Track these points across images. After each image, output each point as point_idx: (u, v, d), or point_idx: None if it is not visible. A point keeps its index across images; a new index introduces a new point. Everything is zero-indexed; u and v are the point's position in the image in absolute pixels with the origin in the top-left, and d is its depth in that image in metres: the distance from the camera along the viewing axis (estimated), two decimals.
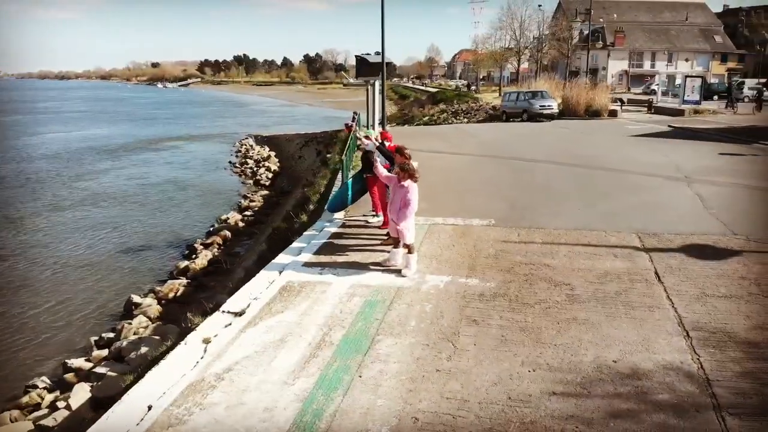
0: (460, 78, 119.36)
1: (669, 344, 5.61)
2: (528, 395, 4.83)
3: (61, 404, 8.56)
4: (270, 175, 32.55)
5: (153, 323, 12.64)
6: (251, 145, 43.37)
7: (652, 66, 71.18)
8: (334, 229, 9.22)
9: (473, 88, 72.11)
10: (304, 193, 15.14)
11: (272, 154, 38.96)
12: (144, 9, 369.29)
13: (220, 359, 5.46)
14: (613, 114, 31.57)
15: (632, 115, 32.62)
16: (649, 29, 72.09)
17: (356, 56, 19.64)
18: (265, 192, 28.42)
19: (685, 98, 31.88)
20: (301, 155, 34.17)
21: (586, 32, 65.14)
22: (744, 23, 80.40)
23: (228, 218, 22.20)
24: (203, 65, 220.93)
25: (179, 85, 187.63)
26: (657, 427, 4.43)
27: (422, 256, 7.76)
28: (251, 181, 31.34)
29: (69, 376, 10.08)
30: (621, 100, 36.38)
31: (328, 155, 22.14)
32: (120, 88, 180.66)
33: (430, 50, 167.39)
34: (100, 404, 8.14)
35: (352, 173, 11.82)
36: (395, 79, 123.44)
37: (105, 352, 11.05)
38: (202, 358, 5.52)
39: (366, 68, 18.24)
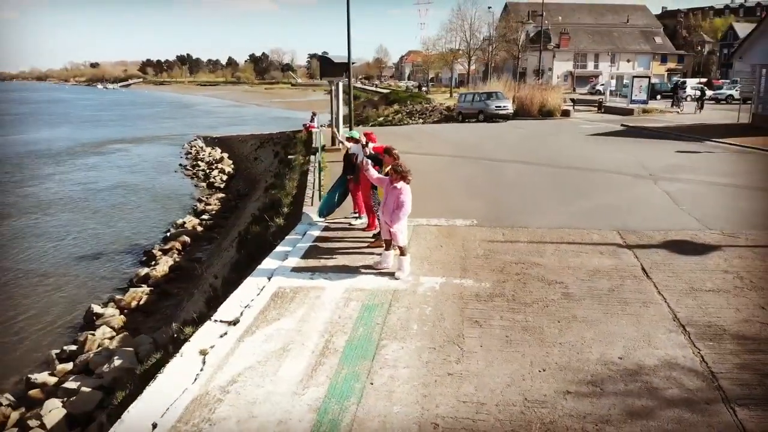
0: (409, 79, 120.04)
1: (669, 339, 5.71)
2: (543, 395, 4.82)
3: (33, 422, 8.05)
4: (224, 178, 31.89)
5: (118, 334, 12.12)
6: (201, 147, 42.45)
7: (596, 67, 73.57)
8: (317, 233, 9.03)
9: (424, 89, 72.67)
10: (272, 196, 14.81)
11: (225, 155, 38.19)
12: (80, 7, 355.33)
13: (221, 371, 5.23)
14: (565, 114, 32.36)
15: (583, 114, 33.52)
16: (593, 31, 74.40)
17: (319, 56, 19.43)
18: (221, 195, 27.82)
19: (633, 98, 32.98)
20: (257, 156, 33.56)
21: (532, 34, 66.94)
22: (682, 24, 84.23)
23: (185, 223, 21.59)
24: (145, 65, 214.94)
25: (120, 86, 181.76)
26: (673, 421, 4.49)
27: (412, 258, 7.68)
28: (204, 184, 30.64)
29: (34, 392, 9.55)
30: (573, 100, 37.35)
31: (290, 156, 21.79)
32: (58, 89, 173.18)
33: (378, 51, 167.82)
34: (76, 421, 7.73)
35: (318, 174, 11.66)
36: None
37: (69, 366, 10.52)
38: (201, 370, 5.28)
39: (330, 68, 18.03)
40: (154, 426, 4.49)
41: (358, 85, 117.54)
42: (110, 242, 19.82)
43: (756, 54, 23.47)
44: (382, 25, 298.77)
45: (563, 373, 5.14)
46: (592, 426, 4.44)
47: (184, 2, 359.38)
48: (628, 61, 73.43)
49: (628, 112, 31.46)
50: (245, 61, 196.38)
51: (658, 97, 41.37)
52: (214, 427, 4.45)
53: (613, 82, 42.77)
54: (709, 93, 39.42)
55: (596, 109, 36.16)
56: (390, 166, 7.36)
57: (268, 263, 7.80)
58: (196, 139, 45.95)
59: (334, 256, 7.96)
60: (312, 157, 16.33)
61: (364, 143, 8.34)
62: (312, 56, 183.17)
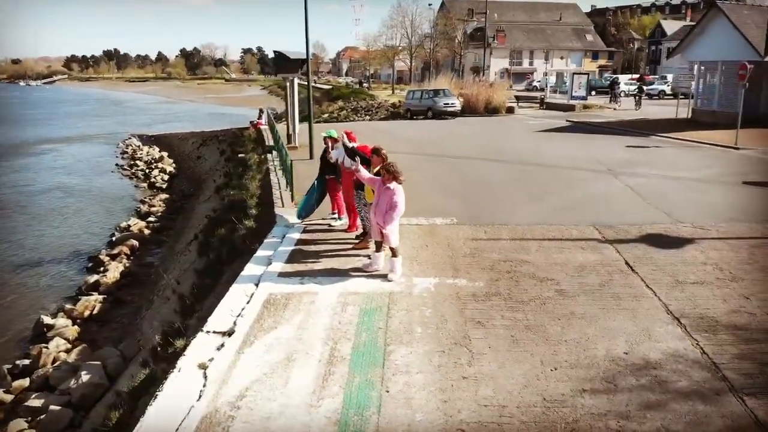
0: (347, 75, 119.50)
1: (667, 332, 5.85)
2: (561, 395, 4.82)
3: None
4: (166, 177, 30.71)
5: (75, 346, 11.40)
6: (138, 146, 40.76)
7: (531, 64, 75.53)
8: (297, 235, 8.76)
9: (365, 85, 72.48)
10: (230, 196, 14.32)
11: (164, 154, 36.81)
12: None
13: (226, 385, 4.96)
14: (510, 111, 33.01)
15: (527, 111, 34.30)
16: (527, 29, 76.29)
17: (275, 51, 18.89)
18: (165, 195, 26.76)
19: (574, 94, 34.01)
20: (201, 155, 32.48)
21: (470, 31, 68.04)
22: (611, 22, 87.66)
23: (130, 226, 20.63)
24: (70, 61, 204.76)
25: (44, 83, 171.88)
26: (689, 414, 4.58)
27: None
28: (145, 185, 29.42)
29: None
30: (517, 97, 38.11)
31: (241, 155, 21.19)
32: None
33: (315, 47, 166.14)
34: None
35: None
36: (280, 75, 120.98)
37: (26, 382, 9.80)
38: (204, 386, 4.98)
39: (285, 64, 17.60)
40: None
41: (297, 81, 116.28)
42: (53, 248, 18.67)
43: (695, 51, 24.60)
44: (316, 21, 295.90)
45: (575, 371, 5.16)
46: (614, 423, 4.47)
47: None
48: (562, 58, 75.75)
49: (570, 108, 32.41)
50: (176, 56, 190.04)
51: (593, 92, 42.83)
52: None
53: (553, 78, 43.93)
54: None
55: (538, 105, 37.06)
56: (380, 167, 7.20)
57: (251, 269, 7.49)
58: (130, 138, 44.11)
59: (320, 260, 7.74)
60: (269, 156, 15.93)
61: (346, 142, 8.16)
62: (246, 51, 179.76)
